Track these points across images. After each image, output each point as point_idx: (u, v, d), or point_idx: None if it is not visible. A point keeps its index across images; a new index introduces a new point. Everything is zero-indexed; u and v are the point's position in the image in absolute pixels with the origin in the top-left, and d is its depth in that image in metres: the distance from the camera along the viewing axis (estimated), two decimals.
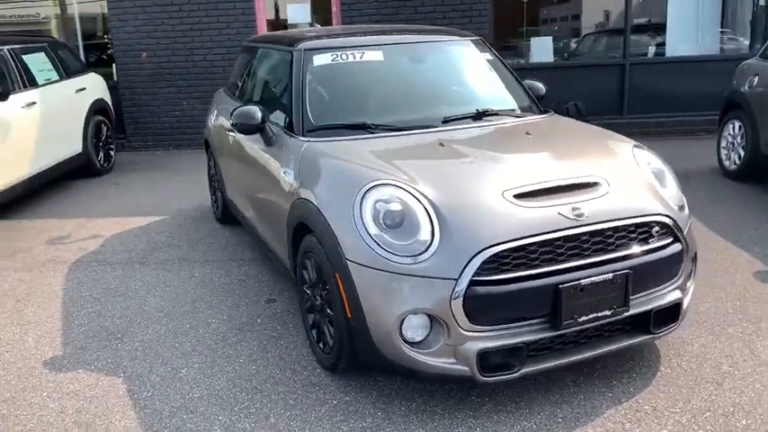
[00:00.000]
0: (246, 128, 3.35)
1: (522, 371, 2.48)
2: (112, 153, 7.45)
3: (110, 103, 7.55)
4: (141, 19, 8.17)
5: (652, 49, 8.68)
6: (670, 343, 3.00)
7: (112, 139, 7.49)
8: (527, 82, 3.99)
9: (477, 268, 2.37)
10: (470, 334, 2.41)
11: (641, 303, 2.65)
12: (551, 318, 2.46)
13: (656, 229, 2.66)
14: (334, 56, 3.54)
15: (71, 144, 6.60)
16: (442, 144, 3.03)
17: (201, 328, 3.38)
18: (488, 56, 3.90)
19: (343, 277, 2.56)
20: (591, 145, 3.18)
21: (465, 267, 2.36)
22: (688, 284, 2.88)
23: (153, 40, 8.24)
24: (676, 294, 2.74)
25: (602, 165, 2.89)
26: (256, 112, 3.30)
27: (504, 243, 2.41)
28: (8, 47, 5.95)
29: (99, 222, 5.34)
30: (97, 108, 7.12)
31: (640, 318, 2.67)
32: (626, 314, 2.60)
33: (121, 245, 4.75)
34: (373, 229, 2.51)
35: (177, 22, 8.17)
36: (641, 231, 2.64)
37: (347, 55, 3.54)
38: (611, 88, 8.23)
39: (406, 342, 2.46)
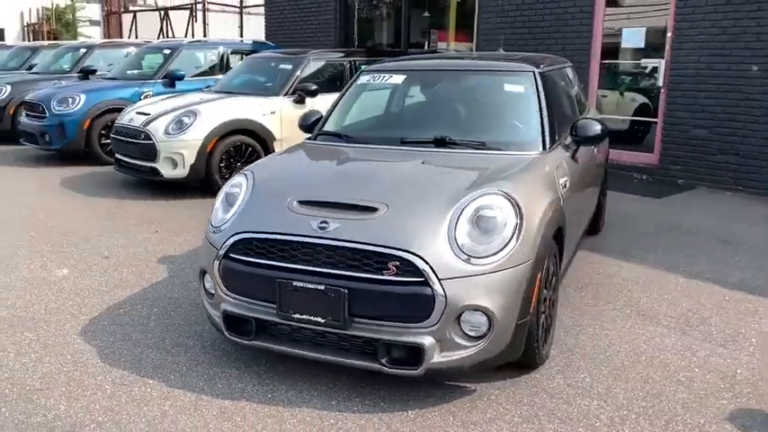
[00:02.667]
0: None
1: (254, 342, 2.98)
2: None
3: None
4: None
5: None
6: None
7: None
8: (583, 121, 3.78)
9: (231, 246, 2.98)
10: (224, 296, 3.04)
11: (367, 329, 2.75)
12: (276, 306, 2.87)
13: (396, 263, 2.68)
14: (372, 77, 4.18)
15: None
16: (342, 157, 3.50)
17: None
18: (527, 88, 3.83)
19: None
20: (448, 184, 3.12)
21: (224, 242, 3.01)
22: (463, 342, 2.71)
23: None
24: (419, 339, 2.69)
25: (411, 197, 2.96)
26: None
27: (250, 233, 2.95)
28: (351, 59, 7.96)
29: None
30: None
31: (372, 344, 2.76)
32: (344, 331, 2.76)
33: None
34: (217, 203, 3.33)
35: (523, 44, 8.95)
36: (378, 261, 2.71)
37: (379, 77, 4.13)
38: None
39: (206, 292, 3.23)
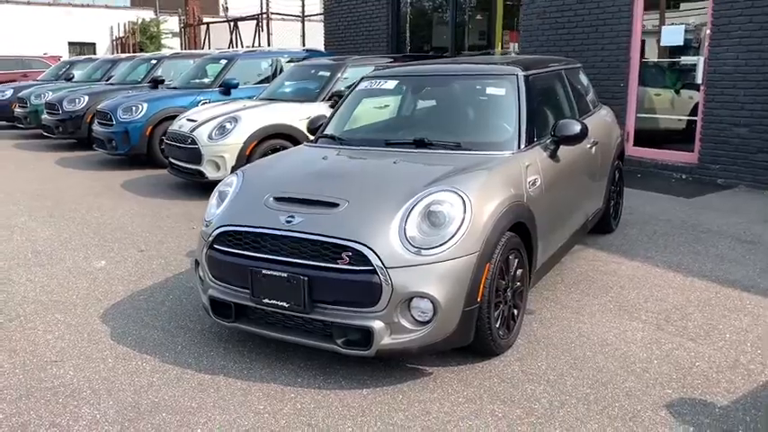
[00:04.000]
0: None
1: (235, 324, 3.34)
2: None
3: None
4: None
5: None
6: None
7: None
8: (563, 121, 3.94)
9: (215, 237, 3.35)
10: (210, 283, 3.41)
11: (325, 313, 3.05)
12: (249, 292, 3.21)
13: (349, 253, 2.96)
14: (370, 83, 4.47)
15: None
16: (325, 158, 3.81)
17: None
18: (509, 90, 4.00)
19: None
20: (409, 181, 3.32)
21: (210, 234, 3.38)
22: (410, 326, 2.95)
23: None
24: (369, 323, 2.95)
25: (372, 194, 3.25)
26: None
27: (230, 226, 3.31)
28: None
29: None
30: None
31: (330, 327, 3.05)
32: (306, 315, 3.07)
33: None
34: (212, 200, 3.70)
35: (564, 44, 8.96)
36: (334, 251, 3.00)
37: (376, 82, 4.41)
38: None
39: (200, 279, 3.61)
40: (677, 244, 5.23)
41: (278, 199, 3.34)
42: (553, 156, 3.96)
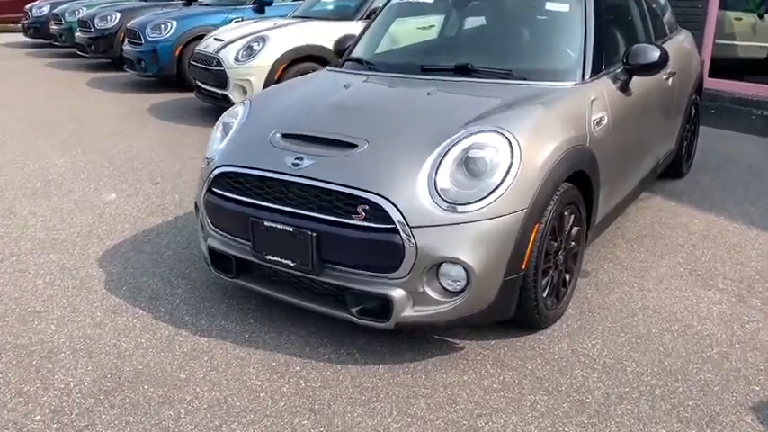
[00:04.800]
0: None
1: (236, 280, 2.87)
2: None
3: None
4: None
5: None
6: None
7: None
8: (637, 46, 3.23)
9: (213, 179, 2.85)
10: (210, 231, 2.93)
11: (338, 276, 2.55)
12: (251, 244, 2.72)
13: (365, 207, 2.41)
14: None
15: None
16: (347, 86, 3.20)
17: None
18: (573, 6, 3.28)
19: None
20: (444, 118, 2.71)
21: (209, 175, 2.88)
22: (438, 297, 2.43)
23: None
24: (388, 291, 2.44)
25: (398, 133, 2.65)
26: None
27: (230, 166, 2.79)
28: None
29: None
30: None
31: (343, 292, 2.55)
32: (315, 276, 2.57)
33: None
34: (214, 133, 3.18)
35: None
36: (348, 204, 2.46)
37: None
38: None
39: (201, 225, 3.12)
40: (759, 194, 4.51)
41: (286, 136, 2.79)
42: (624, 88, 3.27)
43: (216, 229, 2.90)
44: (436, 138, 2.55)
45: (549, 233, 2.62)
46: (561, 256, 2.82)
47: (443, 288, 2.46)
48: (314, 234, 2.50)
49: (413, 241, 2.36)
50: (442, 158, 2.47)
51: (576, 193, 2.81)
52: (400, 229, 2.37)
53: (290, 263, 2.61)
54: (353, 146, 2.60)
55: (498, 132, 2.51)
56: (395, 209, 2.38)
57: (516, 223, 2.44)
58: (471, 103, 2.85)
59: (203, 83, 7.00)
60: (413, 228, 2.36)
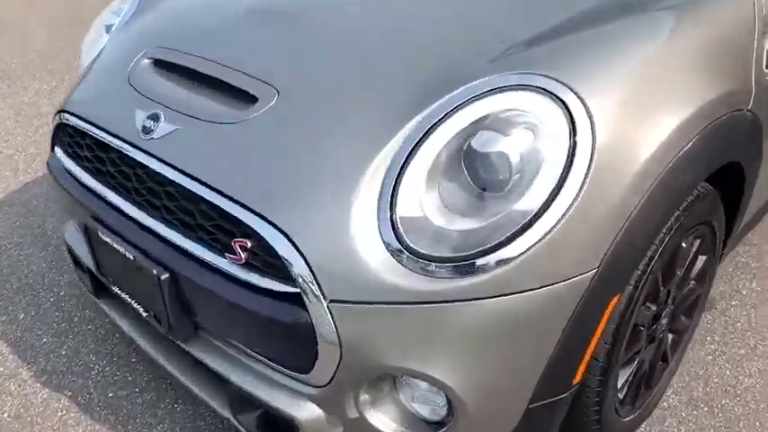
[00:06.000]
0: None
1: (97, 300, 1.73)
2: None
3: None
4: None
5: None
6: None
7: None
8: None
9: (54, 133, 1.64)
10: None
11: (213, 355, 1.35)
12: (93, 260, 1.55)
13: (243, 242, 1.15)
14: None
15: None
16: None
17: None
18: None
19: None
20: (424, 56, 1.32)
21: (54, 124, 1.67)
22: (367, 418, 1.21)
23: None
24: (292, 406, 1.23)
25: (340, 77, 1.32)
26: None
27: (71, 115, 1.56)
28: None
29: None
30: None
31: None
32: (178, 342, 1.39)
33: None
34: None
35: None
36: (218, 226, 1.20)
37: None
38: None
39: None
40: None
41: (158, 63, 1.51)
42: None
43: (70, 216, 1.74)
44: (415, 95, 1.20)
45: (642, 300, 1.28)
46: (665, 320, 1.48)
47: (404, 414, 1.22)
48: (165, 275, 1.28)
49: (332, 329, 1.10)
50: (416, 149, 1.13)
51: (713, 199, 1.41)
52: (308, 301, 1.11)
53: (141, 310, 1.43)
54: (253, 100, 1.29)
55: (545, 92, 1.12)
56: (298, 256, 1.10)
57: (569, 301, 1.11)
58: (476, 23, 1.41)
59: None
60: (335, 303, 1.09)
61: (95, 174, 1.48)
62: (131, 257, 1.33)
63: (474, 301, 1.07)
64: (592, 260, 1.10)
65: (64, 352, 1.85)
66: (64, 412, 1.67)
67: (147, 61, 1.52)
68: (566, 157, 1.08)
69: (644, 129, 1.15)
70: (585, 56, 1.19)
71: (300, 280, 1.10)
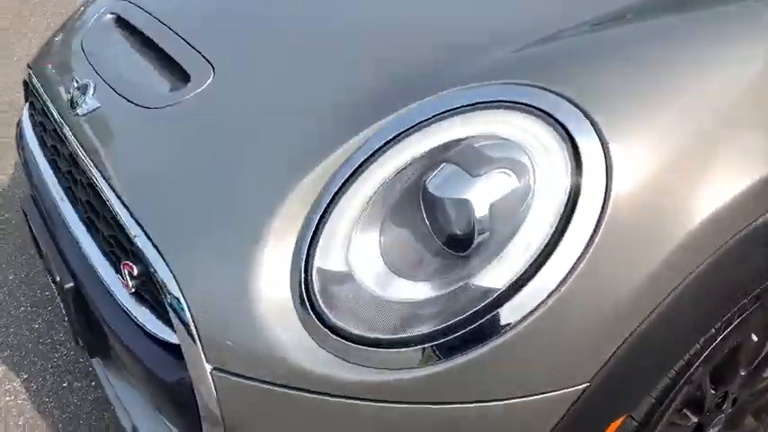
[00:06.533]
0: None
1: None
2: None
3: None
4: None
5: None
6: None
7: None
8: None
9: (24, 88, 1.45)
10: None
11: (115, 381, 1.13)
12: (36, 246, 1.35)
13: (131, 269, 0.89)
14: None
15: None
16: None
17: None
18: None
19: None
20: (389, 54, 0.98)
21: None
22: None
23: None
24: None
25: (268, 78, 1.01)
26: None
27: (31, 70, 1.35)
28: None
29: None
30: None
31: None
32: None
33: None
34: None
35: None
36: (117, 238, 0.95)
37: None
38: None
39: None
40: None
41: (117, 21, 1.26)
42: None
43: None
44: (364, 107, 0.86)
45: (672, 411, 0.91)
46: (716, 430, 1.09)
47: None
48: (70, 284, 1.05)
49: (215, 403, 0.82)
50: (354, 176, 0.80)
51: None
52: (189, 362, 0.83)
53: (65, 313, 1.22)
54: (185, 80, 1.01)
55: (539, 112, 0.76)
56: (181, 299, 0.83)
57: (535, 424, 0.77)
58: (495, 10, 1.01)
59: None
60: (220, 373, 0.81)
61: (41, 145, 1.27)
62: (45, 253, 1.12)
63: (398, 405, 0.76)
64: (580, 373, 0.75)
65: (36, 326, 1.71)
66: (12, 397, 1.52)
67: (108, 17, 1.27)
68: (558, 212, 0.73)
69: (699, 182, 0.77)
70: (606, 63, 0.81)
71: (182, 335, 0.82)
